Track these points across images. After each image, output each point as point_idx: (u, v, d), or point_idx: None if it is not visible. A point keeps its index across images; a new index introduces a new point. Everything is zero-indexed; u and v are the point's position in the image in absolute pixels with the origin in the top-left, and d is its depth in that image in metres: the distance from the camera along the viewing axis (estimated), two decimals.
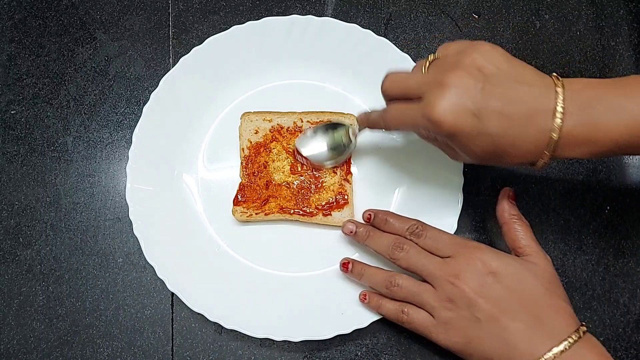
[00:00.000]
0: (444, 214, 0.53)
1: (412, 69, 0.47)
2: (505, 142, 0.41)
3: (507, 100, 0.40)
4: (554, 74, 0.42)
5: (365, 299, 0.50)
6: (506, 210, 0.48)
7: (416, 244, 0.48)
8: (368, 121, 0.50)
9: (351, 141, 0.54)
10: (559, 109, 0.39)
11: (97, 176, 0.58)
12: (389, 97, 0.47)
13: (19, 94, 0.60)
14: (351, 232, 0.51)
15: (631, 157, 0.57)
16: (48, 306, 0.54)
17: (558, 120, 0.39)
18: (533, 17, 0.62)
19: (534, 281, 0.44)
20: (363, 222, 0.52)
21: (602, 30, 0.62)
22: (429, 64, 0.44)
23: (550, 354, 0.40)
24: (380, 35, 0.57)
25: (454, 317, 0.44)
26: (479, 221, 0.55)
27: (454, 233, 0.52)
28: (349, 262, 0.51)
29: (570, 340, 0.40)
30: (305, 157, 0.54)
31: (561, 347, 0.40)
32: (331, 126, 0.55)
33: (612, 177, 0.56)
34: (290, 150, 0.55)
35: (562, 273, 0.54)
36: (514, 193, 0.49)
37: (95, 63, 0.61)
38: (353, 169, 0.55)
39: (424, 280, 0.47)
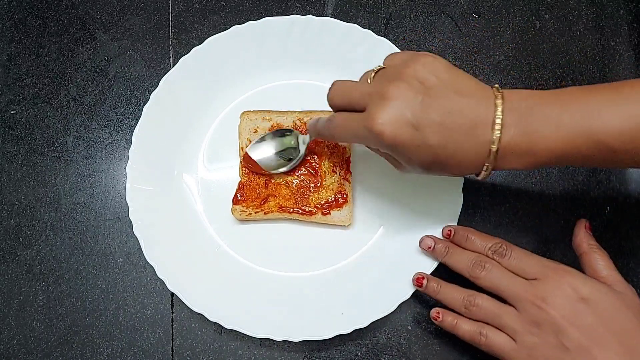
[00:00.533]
0: (444, 214, 0.53)
1: (360, 78, 0.47)
2: (446, 154, 0.41)
3: (446, 112, 0.40)
4: (496, 85, 0.42)
5: (439, 317, 0.48)
6: (584, 240, 0.47)
7: (499, 263, 0.46)
8: (315, 128, 0.49)
9: (300, 150, 0.54)
10: (498, 120, 0.40)
11: (97, 176, 0.58)
12: (335, 107, 0.46)
13: (19, 94, 0.60)
14: (429, 247, 0.50)
15: None
16: (48, 306, 0.54)
17: (497, 132, 0.40)
18: (533, 17, 0.62)
19: (627, 311, 0.42)
20: (442, 237, 0.51)
21: (602, 30, 0.62)
22: (374, 74, 0.44)
23: None
24: (380, 35, 0.57)
25: (539, 343, 0.42)
26: (479, 221, 0.55)
27: None
28: (423, 278, 0.50)
29: None
30: (254, 162, 0.54)
31: None
32: (280, 132, 0.55)
33: (612, 177, 0.56)
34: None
35: None
36: (589, 223, 0.49)
37: (95, 63, 0.61)
38: (352, 168, 0.55)
39: (505, 302, 0.45)
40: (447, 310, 0.48)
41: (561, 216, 0.55)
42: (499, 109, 0.40)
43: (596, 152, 0.39)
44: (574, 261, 0.54)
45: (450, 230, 0.51)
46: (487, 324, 0.45)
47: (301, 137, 0.54)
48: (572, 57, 0.61)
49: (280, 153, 0.54)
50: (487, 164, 0.41)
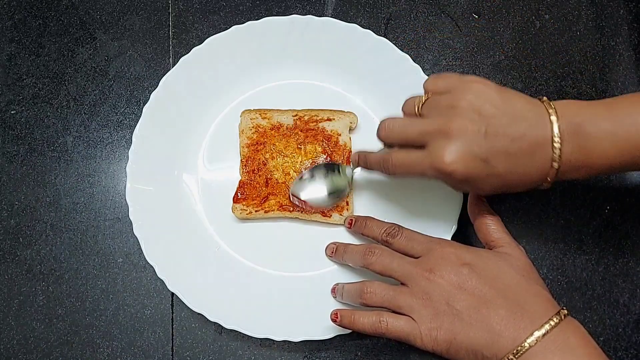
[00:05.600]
0: (444, 214, 0.53)
1: (403, 107, 0.47)
2: (513, 178, 0.43)
3: (509, 139, 0.41)
4: (545, 98, 0.43)
5: (337, 317, 0.47)
6: (477, 206, 0.49)
7: (391, 245, 0.48)
8: (367, 163, 0.50)
9: (349, 184, 0.53)
10: (556, 139, 0.41)
11: (97, 176, 0.58)
12: (389, 145, 0.47)
13: (19, 94, 0.60)
14: (332, 252, 0.52)
15: None
16: (48, 306, 0.54)
17: (557, 150, 0.41)
18: (533, 17, 0.62)
19: (510, 269, 0.44)
20: (345, 227, 0.53)
21: (602, 30, 0.62)
22: (422, 104, 0.45)
23: (532, 338, 0.39)
24: (380, 35, 0.57)
25: (434, 314, 0.43)
26: None
27: (454, 233, 0.52)
28: (335, 288, 0.51)
29: (552, 322, 0.40)
30: (303, 201, 0.53)
31: (543, 330, 0.40)
32: (329, 167, 0.54)
33: (612, 177, 0.56)
34: (292, 147, 0.55)
35: (562, 273, 0.54)
36: None
37: (95, 63, 0.61)
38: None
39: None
40: (343, 309, 0.48)
41: (561, 216, 0.55)
42: (555, 126, 0.41)
43: None
44: (575, 262, 0.54)
45: (352, 219, 0.53)
46: (385, 311, 0.46)
47: (347, 170, 0.53)
48: (572, 57, 0.61)
49: (332, 194, 0.53)
50: (549, 178, 0.43)
